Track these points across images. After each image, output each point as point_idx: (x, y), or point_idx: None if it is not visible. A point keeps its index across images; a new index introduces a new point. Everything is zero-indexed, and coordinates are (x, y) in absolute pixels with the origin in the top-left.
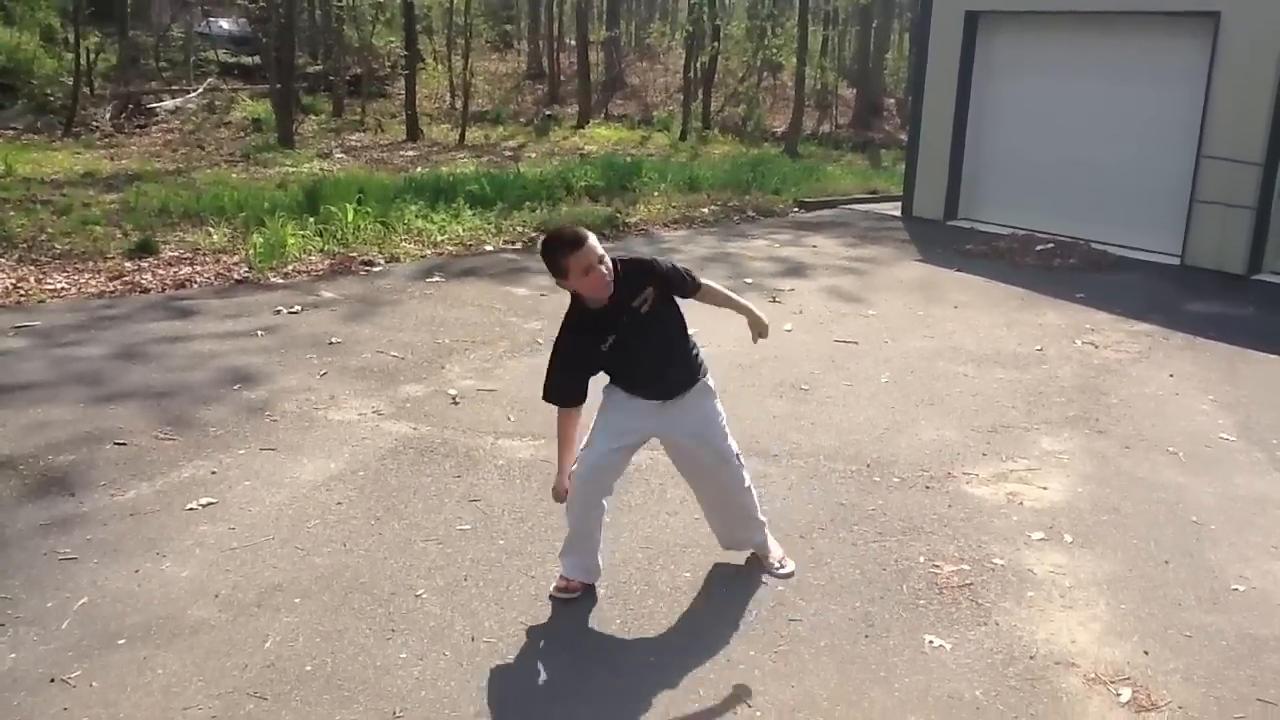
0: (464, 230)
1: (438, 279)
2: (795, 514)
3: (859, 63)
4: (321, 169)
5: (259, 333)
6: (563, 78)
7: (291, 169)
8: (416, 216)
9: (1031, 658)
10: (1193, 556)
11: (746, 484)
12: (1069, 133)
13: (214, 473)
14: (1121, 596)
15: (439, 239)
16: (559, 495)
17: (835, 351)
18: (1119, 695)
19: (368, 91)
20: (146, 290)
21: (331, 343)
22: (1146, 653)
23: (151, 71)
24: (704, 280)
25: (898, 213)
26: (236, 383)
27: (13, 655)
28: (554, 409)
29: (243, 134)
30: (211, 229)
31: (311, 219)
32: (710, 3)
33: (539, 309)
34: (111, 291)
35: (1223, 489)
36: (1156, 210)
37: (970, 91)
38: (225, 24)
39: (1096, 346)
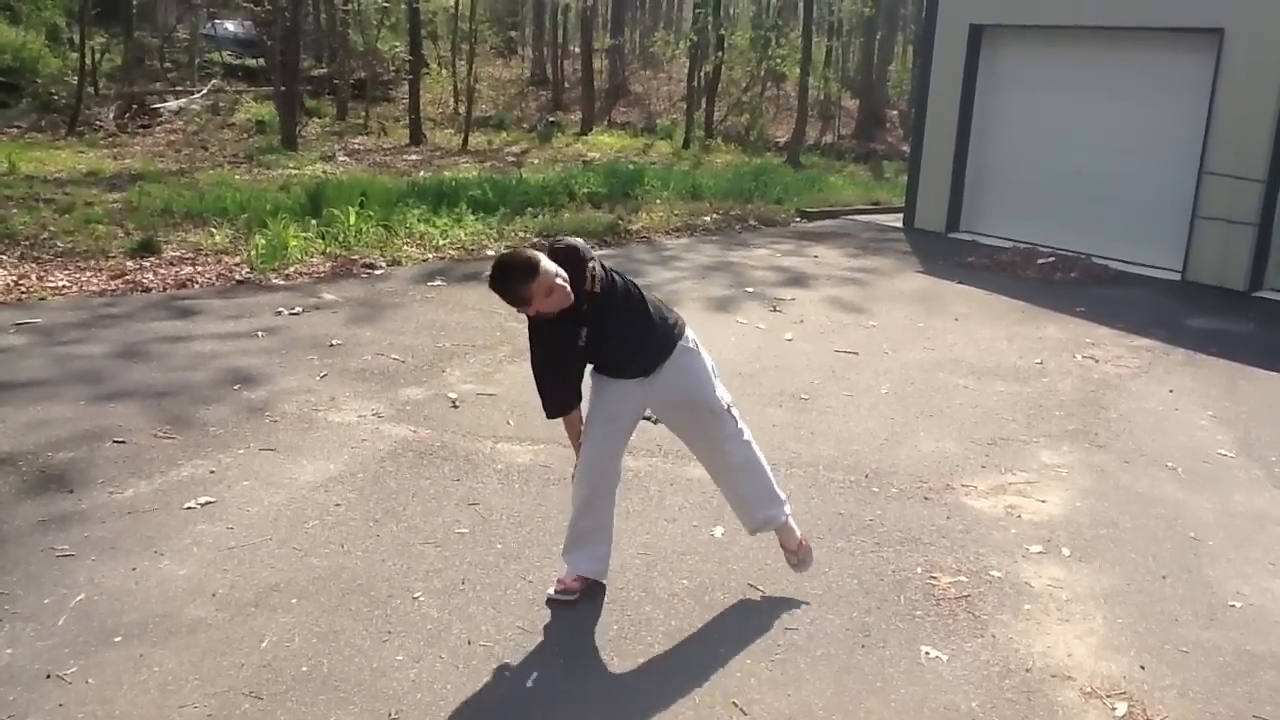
0: (466, 235)
1: (439, 283)
2: (794, 523)
3: (862, 74)
4: (324, 172)
5: (260, 334)
6: (566, 84)
7: (294, 171)
8: (419, 220)
9: (1028, 670)
10: (1191, 572)
11: (746, 435)
12: (1071, 146)
13: (213, 472)
14: (1119, 611)
15: (441, 243)
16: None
17: (836, 362)
18: (1115, 710)
19: (371, 95)
20: (148, 290)
21: (332, 345)
22: (1143, 667)
23: (156, 72)
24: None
25: (899, 224)
26: (237, 383)
27: (9, 651)
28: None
29: (246, 136)
30: (214, 230)
31: (314, 221)
32: (715, 12)
33: None
34: (113, 290)
35: (1221, 505)
36: (1158, 225)
37: (973, 104)
38: (230, 26)
39: (1097, 361)
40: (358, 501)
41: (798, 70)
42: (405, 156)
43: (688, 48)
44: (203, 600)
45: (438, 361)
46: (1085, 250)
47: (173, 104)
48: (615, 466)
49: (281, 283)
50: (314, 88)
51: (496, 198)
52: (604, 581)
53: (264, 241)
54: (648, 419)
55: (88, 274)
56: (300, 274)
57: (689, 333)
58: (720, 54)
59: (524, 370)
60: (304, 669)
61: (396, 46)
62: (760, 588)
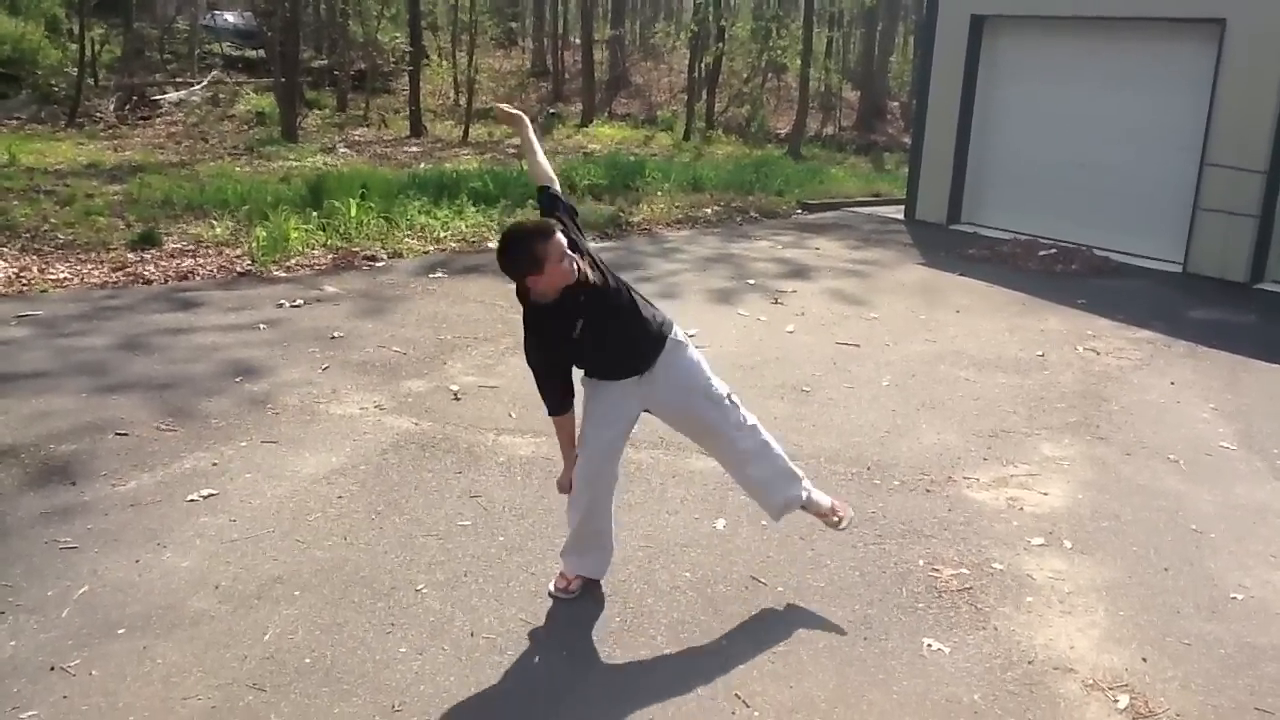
0: (467, 227)
1: (440, 275)
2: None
3: (863, 65)
4: (325, 163)
5: (261, 326)
6: (567, 76)
7: (295, 163)
8: (420, 212)
9: (1030, 663)
10: (1192, 564)
11: (750, 421)
12: (1073, 138)
13: (215, 464)
14: (1120, 603)
15: (442, 235)
16: (564, 486)
17: (837, 354)
18: (1117, 702)
19: (372, 87)
20: (149, 282)
21: (334, 337)
22: (1145, 660)
23: (156, 64)
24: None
25: (901, 216)
26: (238, 375)
27: (13, 643)
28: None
29: (246, 127)
30: (215, 222)
31: (315, 213)
32: (715, 3)
33: None
34: (114, 282)
35: (1223, 497)
36: (1159, 217)
37: (974, 95)
38: (230, 17)
39: (1098, 353)
40: (360, 494)
41: (799, 61)
42: (406, 148)
43: (688, 39)
44: (206, 592)
45: (439, 354)
46: (1086, 242)
47: (173, 95)
48: (614, 470)
49: (283, 275)
50: (314, 79)
51: (497, 189)
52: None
53: (265, 234)
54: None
55: (89, 266)
56: (301, 266)
57: (676, 328)
58: (721, 45)
59: (525, 363)
60: (307, 661)
61: (397, 38)
62: (762, 580)
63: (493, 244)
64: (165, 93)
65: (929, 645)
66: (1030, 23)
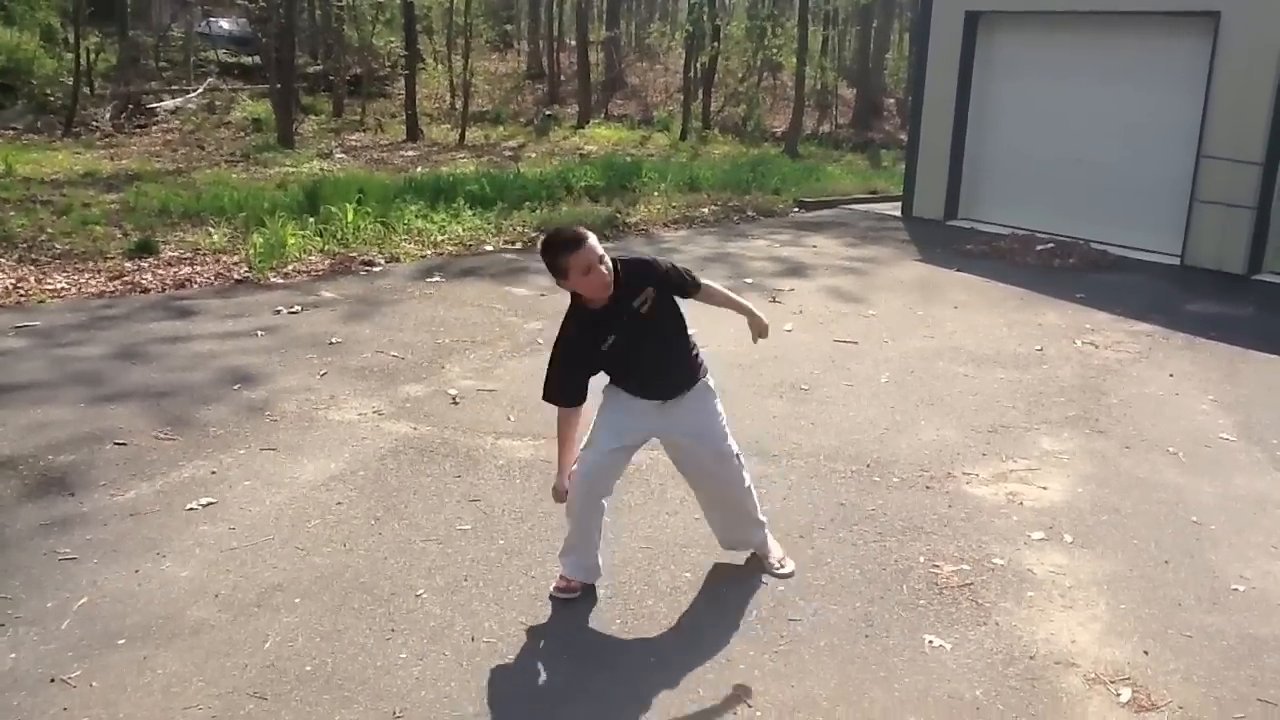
0: (464, 230)
1: (438, 279)
2: (795, 514)
3: (859, 63)
4: (321, 169)
5: (259, 333)
6: (563, 78)
7: (291, 169)
8: (416, 216)
9: (1031, 658)
10: (1193, 557)
11: (747, 484)
12: (1069, 132)
13: (214, 473)
14: (1121, 596)
15: (439, 239)
16: (559, 495)
17: (835, 351)
18: (1119, 695)
19: (368, 92)
20: (146, 290)
21: (332, 343)
22: (1146, 653)
23: (151, 71)
24: (704, 280)
25: (898, 213)
26: (236, 383)
27: (13, 655)
28: (554, 409)
29: (243, 134)
30: (211, 229)
31: (311, 219)
32: (710, 3)
33: (539, 309)
34: (111, 291)
35: (1223, 489)
36: (1156, 210)
37: (970, 91)
38: (225, 24)
39: (1096, 346)
40: (359, 500)
41: (794, 60)
42: (402, 152)
43: (684, 39)
44: (206, 601)
45: (437, 358)
46: (1084, 236)
47: (169, 103)
48: (611, 482)
49: (280, 281)
50: (310, 85)
51: (494, 192)
52: (599, 579)
53: (262, 240)
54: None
55: (86, 275)
56: (299, 272)
57: (710, 375)
58: (716, 44)
59: (524, 366)
60: (308, 668)
61: (392, 42)
62: (763, 579)
63: (490, 247)
64: (161, 100)
65: (930, 642)
66: (1025, 18)
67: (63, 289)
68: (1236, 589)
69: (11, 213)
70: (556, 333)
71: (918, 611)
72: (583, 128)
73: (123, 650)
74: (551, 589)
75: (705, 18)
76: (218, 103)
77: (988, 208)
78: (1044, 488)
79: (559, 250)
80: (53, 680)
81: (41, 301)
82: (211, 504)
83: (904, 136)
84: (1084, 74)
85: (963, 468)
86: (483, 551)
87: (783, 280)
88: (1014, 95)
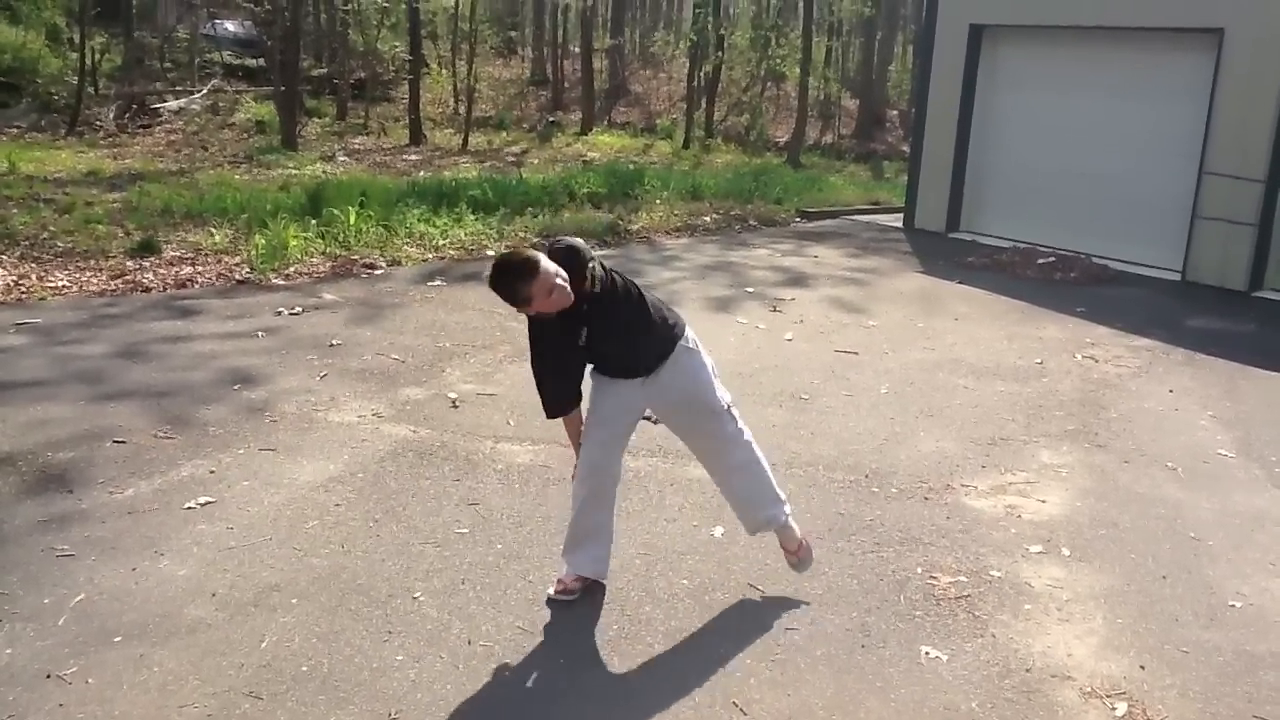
0: (466, 235)
1: (439, 283)
2: (794, 524)
3: (862, 74)
4: (324, 172)
5: (260, 333)
6: (566, 85)
7: (294, 171)
8: (419, 220)
9: (1028, 670)
10: (1190, 572)
11: (746, 436)
12: (1072, 147)
13: (213, 472)
14: (1119, 611)
15: (441, 243)
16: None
17: (835, 361)
18: (1115, 709)
19: (371, 95)
20: (148, 289)
21: (332, 345)
22: (1143, 667)
23: (156, 72)
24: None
25: (899, 224)
26: (237, 383)
27: (9, 651)
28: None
29: (246, 136)
30: (214, 230)
31: (314, 221)
32: (714, 12)
33: None
34: (113, 290)
35: (1221, 505)
36: (1158, 225)
37: (973, 104)
38: (230, 26)
39: (1097, 360)
40: (357, 501)
41: (798, 70)
42: (405, 156)
43: (687, 48)
44: (203, 600)
45: (438, 361)
46: (1085, 250)
47: (173, 104)
48: (615, 467)
49: (281, 283)
50: (314, 88)
51: (496, 198)
52: (604, 581)
53: (264, 241)
54: (648, 419)
55: (88, 274)
56: (300, 274)
57: (689, 332)
58: (720, 54)
59: (524, 370)
60: (304, 669)
61: (396, 46)
62: (760, 588)
63: (492, 251)
64: (165, 101)
65: (927, 653)
66: (1029, 32)
67: (64, 287)
68: (1233, 605)
69: (14, 210)
70: (530, 355)
71: (914, 622)
72: (586, 135)
73: (119, 648)
74: (550, 591)
75: (709, 27)
76: (221, 104)
77: (990, 220)
78: (1042, 501)
79: (515, 280)
80: (49, 676)
81: (43, 299)
82: (210, 503)
83: (906, 148)
84: (1087, 89)
85: (961, 479)
86: (480, 555)
87: (784, 290)
88: (1017, 108)
